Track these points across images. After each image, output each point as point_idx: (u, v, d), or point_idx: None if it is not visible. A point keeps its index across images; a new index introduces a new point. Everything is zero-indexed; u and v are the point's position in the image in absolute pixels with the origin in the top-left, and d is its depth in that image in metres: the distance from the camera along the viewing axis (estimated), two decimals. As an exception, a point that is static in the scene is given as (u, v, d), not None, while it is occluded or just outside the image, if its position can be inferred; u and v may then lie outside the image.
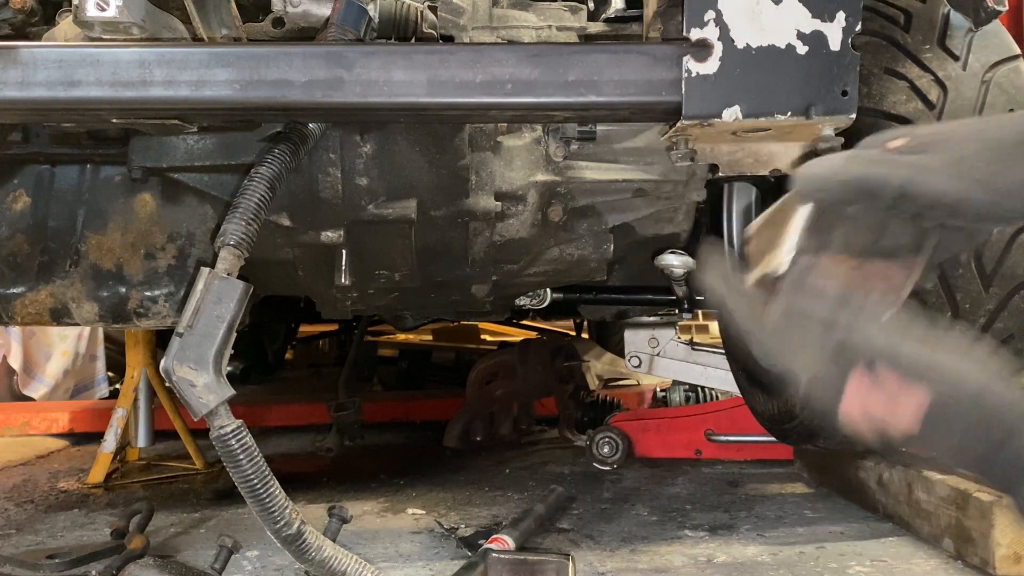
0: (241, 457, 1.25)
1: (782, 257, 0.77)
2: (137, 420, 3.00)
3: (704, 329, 3.89)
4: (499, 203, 1.69)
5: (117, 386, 3.61)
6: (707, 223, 2.61)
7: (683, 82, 1.17)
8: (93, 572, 1.71)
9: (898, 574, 1.80)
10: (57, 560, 1.76)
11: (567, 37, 1.61)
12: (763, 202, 2.39)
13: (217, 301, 1.25)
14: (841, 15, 1.18)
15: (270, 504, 1.27)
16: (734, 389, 2.72)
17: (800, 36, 1.18)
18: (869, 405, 0.71)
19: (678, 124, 1.20)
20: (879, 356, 0.72)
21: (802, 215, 0.78)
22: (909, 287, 0.81)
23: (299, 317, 4.85)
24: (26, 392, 3.92)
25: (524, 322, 4.80)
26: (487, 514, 2.32)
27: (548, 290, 2.17)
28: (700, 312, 2.53)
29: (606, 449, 2.89)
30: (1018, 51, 1.83)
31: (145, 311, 1.67)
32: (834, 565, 1.85)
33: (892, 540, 2.02)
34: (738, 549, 1.98)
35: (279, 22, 1.48)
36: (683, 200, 1.87)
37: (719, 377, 2.94)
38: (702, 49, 1.17)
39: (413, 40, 1.48)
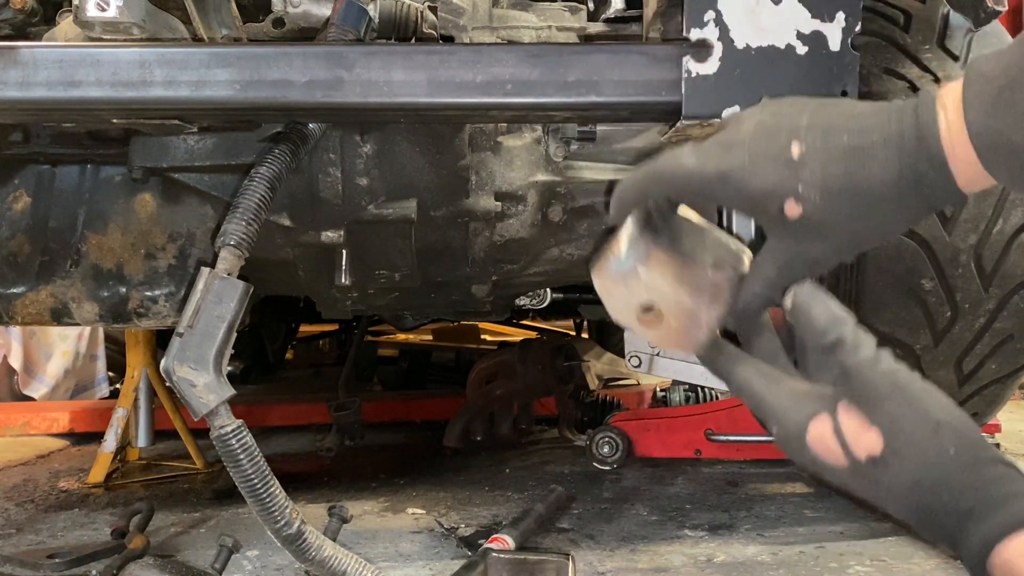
0: (241, 457, 1.25)
1: (620, 246, 0.81)
2: (137, 420, 3.00)
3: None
4: (499, 203, 1.69)
5: (117, 386, 3.61)
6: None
7: (683, 82, 1.17)
8: (93, 572, 1.72)
9: (898, 574, 1.80)
10: (57, 560, 1.76)
11: (567, 37, 1.61)
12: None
13: (217, 301, 1.25)
14: (841, 15, 1.18)
15: (270, 504, 1.27)
16: (734, 389, 2.72)
17: (800, 36, 1.18)
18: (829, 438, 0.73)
19: (678, 124, 1.21)
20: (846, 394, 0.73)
21: (632, 218, 0.83)
22: (734, 298, 0.83)
23: (299, 317, 4.85)
24: (26, 392, 3.92)
25: (524, 322, 4.80)
26: (487, 514, 2.32)
27: (548, 290, 2.17)
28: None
29: (606, 449, 2.89)
30: (1018, 51, 1.83)
31: (145, 311, 1.67)
32: (834, 565, 1.85)
33: (892, 540, 2.02)
34: (738, 549, 1.98)
35: (279, 22, 1.48)
36: (683, 200, 1.87)
37: (719, 377, 2.93)
38: (702, 49, 1.17)
39: (413, 40, 1.48)
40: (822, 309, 0.77)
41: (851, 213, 0.75)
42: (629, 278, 0.82)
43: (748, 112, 0.81)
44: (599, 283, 0.85)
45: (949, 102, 0.72)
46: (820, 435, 0.73)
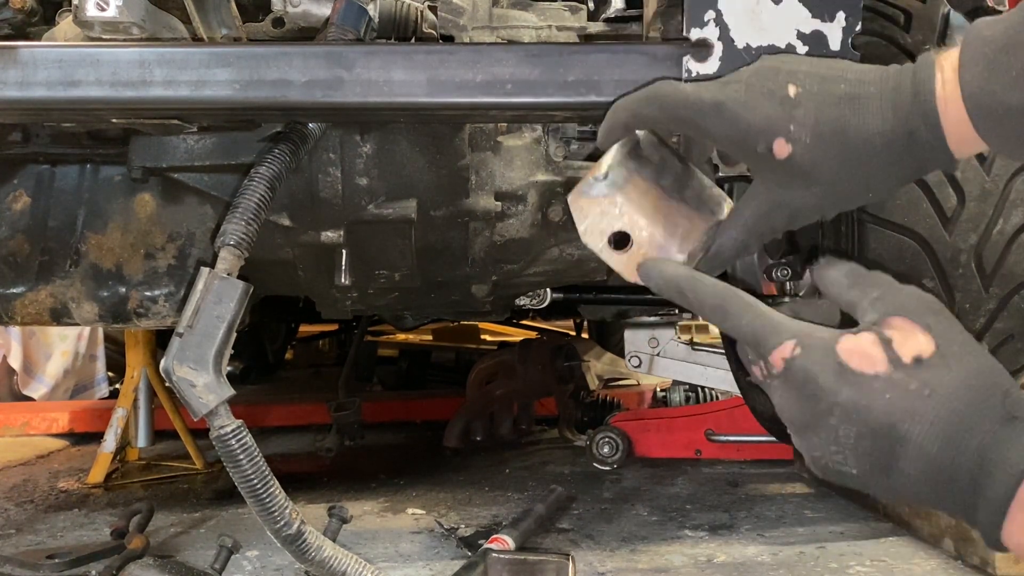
0: (241, 457, 1.25)
1: (601, 168, 0.81)
2: (137, 420, 3.00)
3: (704, 329, 3.89)
4: (499, 203, 1.69)
5: (117, 386, 3.62)
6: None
7: (683, 82, 1.17)
8: (93, 572, 1.72)
9: (898, 574, 1.80)
10: (57, 560, 1.76)
11: (567, 37, 1.61)
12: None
13: (217, 301, 1.25)
14: (841, 15, 1.18)
15: (270, 504, 1.27)
16: (734, 389, 2.72)
17: (800, 36, 1.17)
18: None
19: (678, 124, 1.20)
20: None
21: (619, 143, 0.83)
22: (709, 240, 0.83)
23: (299, 317, 4.85)
24: (26, 392, 3.92)
25: (524, 322, 4.80)
26: (487, 514, 2.32)
27: (548, 290, 2.17)
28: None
29: (606, 449, 2.89)
30: (1018, 51, 1.83)
31: (145, 311, 1.67)
32: (834, 565, 1.85)
33: (892, 540, 2.02)
34: (738, 549, 1.98)
35: (279, 22, 1.48)
36: (683, 200, 1.87)
37: (719, 377, 2.94)
38: (702, 49, 1.17)
39: (413, 40, 1.48)
40: (849, 267, 0.76)
41: (840, 160, 0.75)
42: (605, 202, 0.82)
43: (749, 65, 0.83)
44: (574, 202, 0.84)
45: (947, 63, 0.73)
46: (856, 344, 0.68)
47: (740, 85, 0.79)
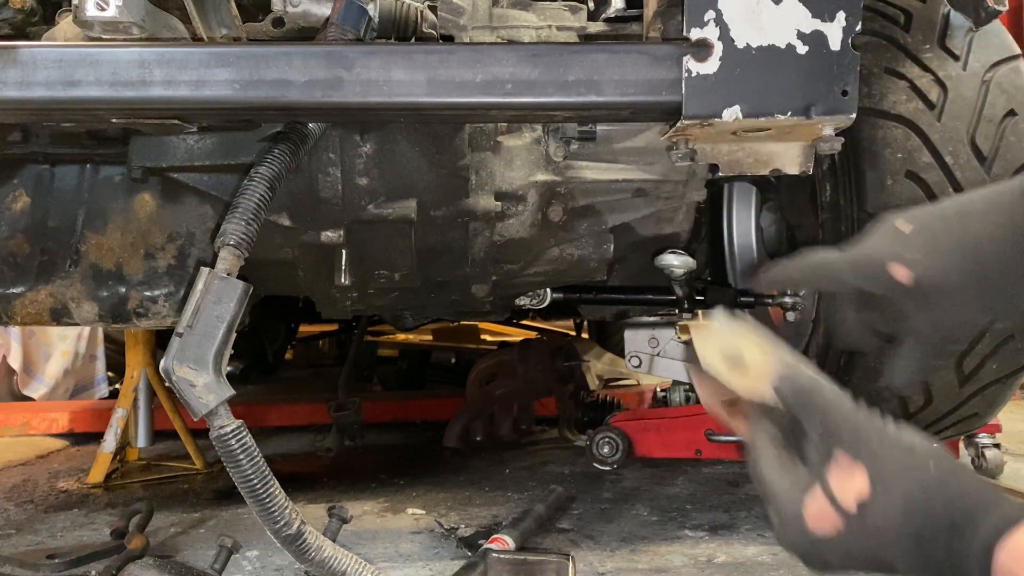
0: (241, 457, 1.25)
1: (765, 389, 0.82)
2: (137, 420, 3.00)
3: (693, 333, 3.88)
4: (499, 203, 1.69)
5: (117, 386, 3.61)
6: (707, 223, 2.62)
7: (683, 82, 1.17)
8: (93, 572, 1.72)
9: (898, 574, 1.79)
10: (57, 560, 1.76)
11: (567, 37, 1.61)
12: (762, 201, 2.39)
13: (217, 301, 1.25)
14: (841, 15, 1.18)
15: (270, 504, 1.27)
16: (734, 389, 2.71)
17: (800, 36, 1.18)
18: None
19: (678, 124, 1.20)
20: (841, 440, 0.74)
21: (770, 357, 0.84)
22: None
23: (299, 317, 4.85)
24: (26, 392, 3.92)
25: (524, 322, 4.80)
26: (487, 514, 2.32)
27: (548, 290, 2.17)
28: (700, 312, 2.53)
29: (606, 449, 2.89)
30: (1018, 51, 1.83)
31: (145, 311, 1.67)
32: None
33: (892, 540, 2.01)
34: (738, 549, 1.98)
35: (279, 22, 1.48)
36: (683, 200, 1.87)
37: (719, 377, 2.93)
38: (702, 49, 1.17)
39: (413, 40, 1.48)
40: (802, 379, 0.79)
41: (961, 270, 0.79)
42: (724, 328, 0.88)
43: None
44: (695, 328, 0.91)
45: None
46: (814, 507, 0.73)
47: (865, 238, 0.87)
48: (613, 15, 1.60)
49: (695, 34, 1.17)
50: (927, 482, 0.69)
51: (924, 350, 0.87)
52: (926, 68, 1.75)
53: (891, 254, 0.82)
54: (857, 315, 0.90)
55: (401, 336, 4.90)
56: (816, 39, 1.18)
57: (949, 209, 0.82)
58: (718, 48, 1.17)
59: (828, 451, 0.74)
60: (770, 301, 2.27)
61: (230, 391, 1.25)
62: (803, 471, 0.77)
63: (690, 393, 3.29)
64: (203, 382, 1.23)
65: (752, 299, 2.28)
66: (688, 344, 0.90)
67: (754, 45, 1.17)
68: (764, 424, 0.82)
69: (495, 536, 1.83)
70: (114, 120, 1.37)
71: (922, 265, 0.80)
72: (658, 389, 3.62)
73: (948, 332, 0.85)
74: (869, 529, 0.70)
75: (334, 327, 5.25)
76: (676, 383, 3.29)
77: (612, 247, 1.86)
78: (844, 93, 1.19)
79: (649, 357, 3.02)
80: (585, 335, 4.60)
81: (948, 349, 0.85)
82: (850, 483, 0.71)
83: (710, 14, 1.16)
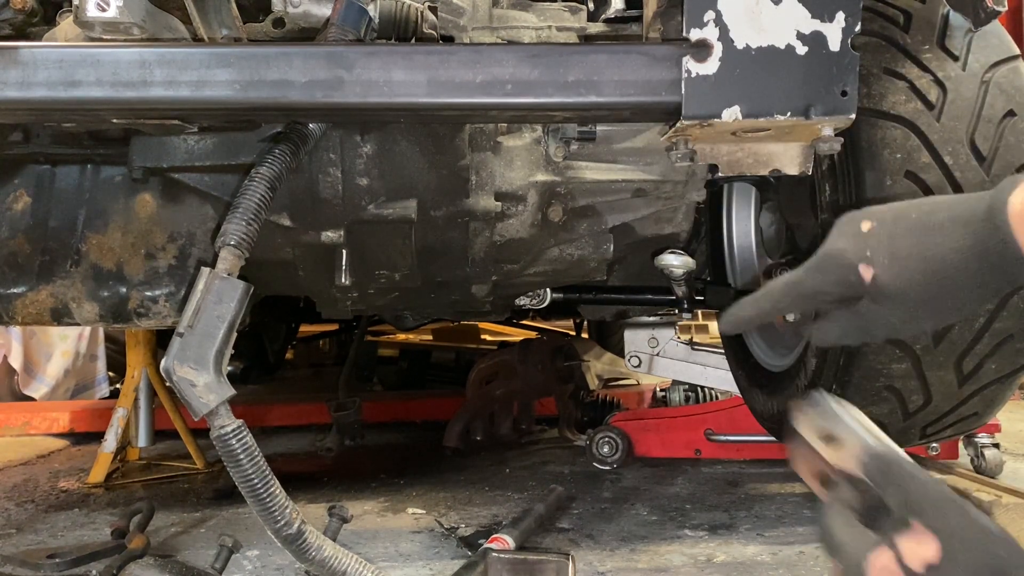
0: (241, 457, 1.25)
1: (853, 463, 0.85)
2: (137, 420, 3.00)
3: (704, 329, 3.89)
4: (499, 203, 1.69)
5: (117, 386, 3.62)
6: (707, 223, 2.62)
7: (683, 82, 1.17)
8: (93, 572, 1.72)
9: (898, 574, 1.79)
10: (57, 560, 1.76)
11: (567, 37, 1.61)
12: (762, 201, 2.40)
13: (217, 301, 1.25)
14: (841, 15, 1.18)
15: (271, 504, 1.27)
16: (734, 389, 2.72)
17: (800, 36, 1.18)
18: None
19: (678, 124, 1.21)
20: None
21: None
22: None
23: (299, 317, 4.85)
24: (27, 392, 3.92)
25: (524, 322, 4.80)
26: (487, 514, 2.32)
27: (548, 290, 2.17)
28: (700, 312, 2.53)
29: (606, 449, 2.89)
30: (1017, 51, 1.83)
31: (145, 311, 1.67)
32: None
33: (892, 540, 2.01)
34: (738, 549, 1.98)
35: (279, 22, 1.48)
36: (683, 200, 1.87)
37: (719, 377, 2.93)
38: (702, 49, 1.17)
39: (413, 40, 1.48)
40: (888, 454, 0.81)
41: (923, 278, 0.80)
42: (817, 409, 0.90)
43: None
44: (794, 409, 0.92)
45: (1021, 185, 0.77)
46: (879, 563, 0.76)
47: (827, 240, 0.87)
48: (613, 16, 1.60)
49: (695, 34, 1.17)
50: (996, 567, 0.71)
51: (859, 335, 0.89)
52: (925, 68, 1.75)
53: (859, 255, 0.83)
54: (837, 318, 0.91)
55: (401, 336, 4.90)
56: (816, 40, 1.18)
57: (910, 213, 0.83)
58: (718, 48, 1.17)
59: (904, 519, 0.76)
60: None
61: (231, 391, 1.25)
62: (873, 535, 0.79)
63: (689, 393, 3.30)
64: (204, 382, 1.24)
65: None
66: (788, 419, 0.93)
67: (754, 46, 1.17)
68: (845, 491, 0.84)
69: (495, 536, 1.83)
70: (115, 120, 1.38)
71: (881, 266, 0.82)
72: (658, 389, 3.62)
73: (893, 332, 0.87)
74: None
75: (334, 327, 5.25)
76: (676, 383, 3.29)
77: (612, 247, 1.87)
78: (843, 93, 1.19)
79: (649, 357, 3.03)
80: (585, 335, 4.60)
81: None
82: (921, 549, 0.73)
83: (710, 14, 1.17)
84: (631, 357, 3.02)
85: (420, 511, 2.36)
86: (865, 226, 0.84)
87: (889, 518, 0.79)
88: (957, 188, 1.71)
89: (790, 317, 2.25)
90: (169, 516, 2.33)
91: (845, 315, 0.88)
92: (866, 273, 0.83)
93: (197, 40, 1.34)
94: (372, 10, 1.42)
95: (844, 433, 0.88)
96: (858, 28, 1.18)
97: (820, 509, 0.84)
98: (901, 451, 0.85)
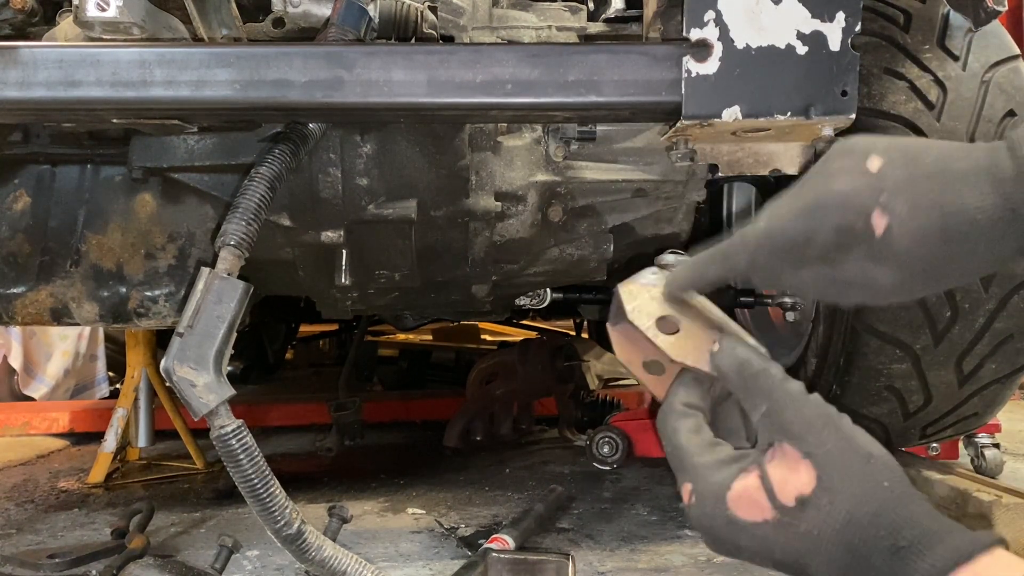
0: (241, 457, 1.25)
1: (699, 356, 0.77)
2: (137, 420, 3.00)
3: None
4: (499, 203, 1.69)
5: (117, 386, 3.62)
6: (707, 223, 2.62)
7: (683, 82, 1.18)
8: (93, 572, 1.72)
9: (898, 574, 1.80)
10: (57, 560, 1.76)
11: (567, 37, 1.61)
12: (762, 201, 2.40)
13: (217, 301, 1.25)
14: (841, 15, 1.18)
15: (270, 504, 1.27)
16: (734, 389, 2.72)
17: (800, 36, 1.18)
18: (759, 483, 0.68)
19: (678, 124, 1.21)
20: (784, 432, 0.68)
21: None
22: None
23: (299, 317, 4.85)
24: (26, 392, 3.92)
25: (524, 322, 4.80)
26: (487, 514, 2.32)
27: (548, 290, 2.17)
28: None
29: (606, 449, 2.89)
30: (1017, 51, 1.83)
31: (145, 311, 1.67)
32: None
33: (892, 540, 2.01)
34: (738, 549, 1.98)
35: (279, 22, 1.48)
36: (683, 200, 1.87)
37: (719, 377, 2.93)
38: (702, 49, 1.17)
39: (413, 40, 1.48)
40: (746, 352, 0.72)
41: (941, 236, 0.67)
42: (655, 289, 0.81)
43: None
44: (623, 287, 0.83)
45: None
46: (743, 490, 0.68)
47: (820, 174, 0.72)
48: (613, 15, 1.60)
49: (695, 34, 1.17)
50: (879, 497, 0.63)
51: (840, 294, 0.74)
52: (926, 68, 1.76)
53: (873, 199, 0.68)
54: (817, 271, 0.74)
55: (401, 336, 4.90)
56: (816, 39, 1.18)
57: (924, 156, 0.69)
58: (718, 48, 1.17)
59: (770, 438, 0.68)
60: (769, 301, 2.27)
61: (230, 391, 1.25)
62: (730, 450, 0.71)
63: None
64: (204, 382, 1.24)
65: (752, 299, 2.29)
66: (615, 295, 0.81)
67: (754, 45, 1.17)
68: (690, 391, 0.75)
69: (495, 536, 1.83)
70: (115, 120, 1.38)
71: (898, 217, 0.67)
72: (658, 389, 3.61)
73: (883, 297, 0.73)
74: (801, 528, 0.65)
75: (334, 327, 5.25)
76: (676, 383, 3.29)
77: (612, 247, 1.87)
78: (844, 93, 1.19)
79: (649, 357, 3.03)
80: (585, 335, 4.60)
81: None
82: (793, 477, 0.65)
83: (710, 14, 1.17)
84: (631, 357, 3.01)
85: (420, 511, 2.36)
86: (874, 164, 0.69)
87: (750, 430, 0.70)
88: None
89: (790, 316, 2.25)
90: (169, 516, 2.33)
91: (825, 270, 0.72)
92: (879, 223, 0.68)
93: (197, 40, 1.34)
94: (372, 10, 1.42)
95: (687, 317, 0.77)
96: (858, 28, 1.18)
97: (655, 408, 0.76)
98: (760, 348, 0.74)
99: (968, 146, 0.70)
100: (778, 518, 0.66)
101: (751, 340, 0.76)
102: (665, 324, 0.78)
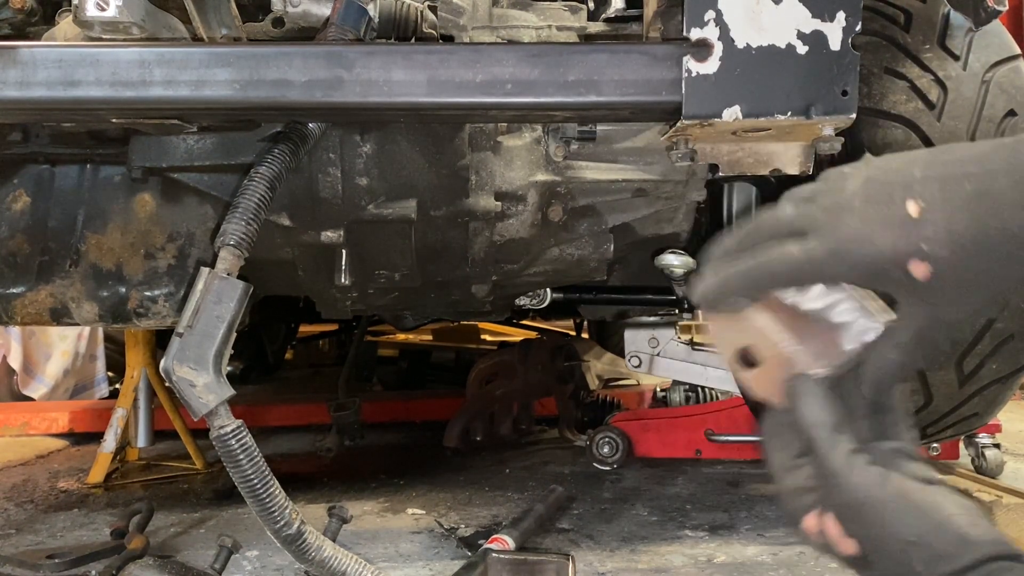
0: (241, 457, 1.25)
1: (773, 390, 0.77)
2: (137, 420, 3.00)
3: (704, 329, 3.88)
4: (499, 203, 1.69)
5: (117, 386, 3.61)
6: (707, 223, 2.62)
7: (683, 82, 1.17)
8: (93, 572, 1.72)
9: (898, 574, 1.79)
10: (57, 560, 1.76)
11: (567, 37, 1.61)
12: (762, 201, 2.39)
13: (217, 301, 1.25)
14: (841, 15, 1.18)
15: (270, 504, 1.27)
16: (734, 389, 2.72)
17: (800, 36, 1.18)
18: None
19: (678, 124, 1.20)
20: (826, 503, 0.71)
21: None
22: (845, 358, 0.76)
23: (299, 317, 4.85)
24: (26, 392, 3.92)
25: (524, 322, 4.80)
26: (487, 514, 2.32)
27: (548, 290, 2.17)
28: (700, 312, 2.52)
29: (606, 449, 2.89)
30: (1018, 51, 1.83)
31: (145, 311, 1.67)
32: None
33: (892, 540, 2.01)
34: (738, 549, 1.98)
35: (279, 22, 1.48)
36: (683, 200, 1.87)
37: (719, 377, 2.93)
38: (702, 49, 1.17)
39: (413, 40, 1.48)
40: (809, 406, 0.73)
41: (987, 266, 0.67)
42: (734, 316, 0.78)
43: (851, 168, 0.73)
44: (706, 314, 0.81)
45: None
46: (811, 527, 0.73)
47: (852, 218, 0.70)
48: (613, 15, 1.60)
49: (695, 34, 1.17)
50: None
51: (922, 353, 0.74)
52: (926, 68, 1.75)
53: (910, 248, 0.67)
54: None
55: (401, 336, 4.90)
56: (816, 39, 1.18)
57: (963, 182, 0.66)
58: (718, 48, 1.17)
59: (819, 501, 0.72)
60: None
61: (230, 391, 1.25)
62: (807, 479, 0.73)
63: (690, 393, 3.30)
64: (203, 382, 1.24)
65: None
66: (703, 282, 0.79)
67: (754, 45, 1.17)
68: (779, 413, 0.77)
69: (495, 536, 1.83)
70: (114, 120, 1.38)
71: (942, 262, 0.66)
72: (658, 389, 3.62)
73: (949, 331, 0.75)
74: (858, 570, 0.71)
75: (334, 327, 5.25)
76: (676, 383, 3.29)
77: (612, 247, 1.87)
78: (844, 93, 1.19)
79: (649, 357, 3.02)
80: (585, 335, 4.60)
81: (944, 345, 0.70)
82: (842, 542, 0.71)
83: (710, 14, 1.17)
84: (631, 357, 3.01)
85: (420, 511, 2.36)
86: (914, 210, 0.67)
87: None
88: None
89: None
90: (169, 516, 2.33)
91: (897, 338, 0.73)
92: (919, 270, 0.67)
93: (197, 40, 1.34)
94: (372, 9, 1.42)
95: (766, 350, 0.76)
96: (859, 27, 1.18)
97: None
98: (823, 412, 0.72)
99: (1004, 149, 0.67)
100: (840, 557, 0.72)
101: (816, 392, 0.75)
102: (744, 355, 0.78)
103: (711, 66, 1.17)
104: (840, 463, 0.70)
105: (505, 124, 1.65)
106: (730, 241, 0.79)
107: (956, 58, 1.76)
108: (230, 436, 1.25)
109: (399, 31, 1.46)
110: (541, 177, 1.70)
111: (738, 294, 0.77)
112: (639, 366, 3.03)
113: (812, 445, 0.72)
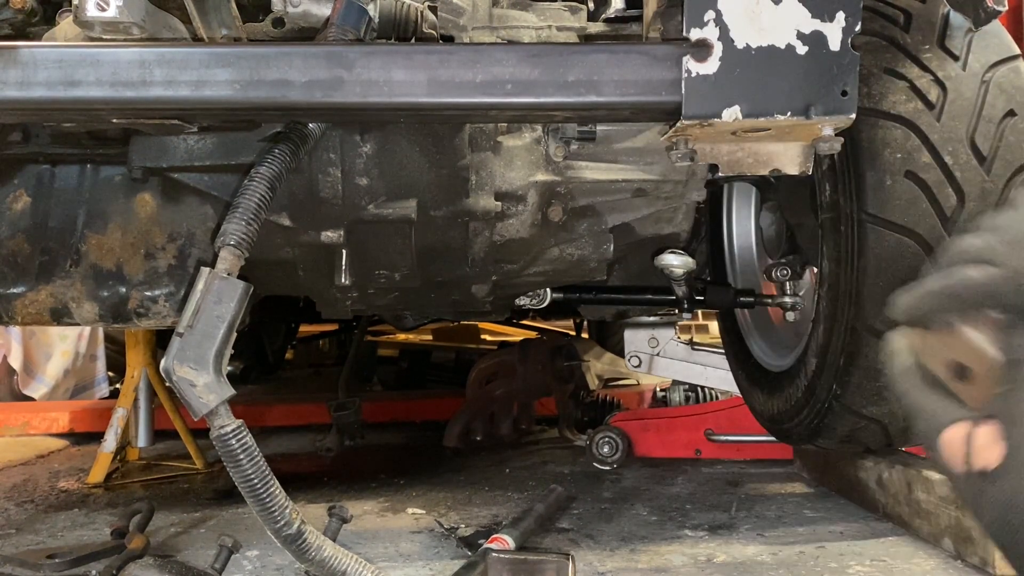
0: (241, 457, 1.25)
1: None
2: (137, 420, 3.00)
3: (704, 329, 3.89)
4: (499, 203, 1.69)
5: (117, 386, 3.62)
6: (707, 223, 2.62)
7: (683, 82, 1.17)
8: (93, 572, 1.72)
9: (898, 574, 1.80)
10: (57, 560, 1.76)
11: (567, 37, 1.61)
12: (762, 201, 2.40)
13: (217, 301, 1.25)
14: (841, 15, 1.18)
15: (270, 504, 1.27)
16: (734, 389, 2.72)
17: (800, 36, 1.18)
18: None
19: (678, 124, 1.21)
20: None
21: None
22: None
23: (299, 317, 4.85)
24: (26, 392, 3.92)
25: (524, 322, 4.81)
26: (487, 514, 2.32)
27: (548, 290, 2.17)
28: (700, 312, 2.53)
29: (606, 449, 2.90)
30: (1018, 51, 1.83)
31: (145, 311, 1.67)
32: (834, 565, 1.85)
33: (892, 540, 2.02)
34: (738, 549, 1.98)
35: (279, 22, 1.48)
36: (683, 200, 1.87)
37: (719, 377, 2.94)
38: (702, 49, 1.17)
39: (413, 40, 1.48)
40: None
41: None
42: (944, 332, 0.79)
43: None
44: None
45: None
46: (952, 438, 0.75)
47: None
48: (613, 15, 1.60)
49: (695, 34, 1.17)
50: None
51: None
52: (926, 68, 1.75)
53: None
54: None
55: (401, 336, 4.91)
56: (816, 39, 1.18)
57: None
58: (718, 48, 1.17)
59: (991, 409, 0.73)
60: (769, 301, 2.27)
61: (230, 391, 1.25)
62: (953, 406, 0.76)
63: (689, 393, 3.30)
64: (203, 382, 1.24)
65: (752, 299, 2.29)
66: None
67: (754, 45, 1.17)
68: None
69: (495, 536, 1.83)
70: (114, 120, 1.38)
71: None
72: (658, 389, 3.62)
73: None
74: (978, 491, 0.74)
75: (334, 327, 5.26)
76: (676, 383, 3.29)
77: (612, 247, 1.87)
78: (844, 93, 1.19)
79: (649, 357, 3.03)
80: (585, 335, 4.61)
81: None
82: (988, 449, 0.73)
83: (710, 14, 1.17)
84: (631, 357, 3.02)
85: (420, 511, 2.36)
86: None
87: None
88: (957, 188, 1.71)
89: (790, 317, 2.25)
90: (169, 516, 2.33)
91: None
92: None
93: (197, 40, 1.34)
94: (372, 10, 1.42)
95: (978, 365, 0.77)
96: (858, 28, 1.18)
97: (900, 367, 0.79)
98: None
99: None
100: (966, 475, 0.74)
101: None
102: (960, 367, 0.79)
103: (711, 66, 1.17)
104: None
105: (505, 124, 1.66)
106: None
107: (956, 58, 1.76)
108: (230, 436, 1.25)
109: (399, 31, 1.46)
110: (541, 177, 1.70)
111: (934, 310, 0.80)
112: (639, 366, 3.04)
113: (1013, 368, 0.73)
